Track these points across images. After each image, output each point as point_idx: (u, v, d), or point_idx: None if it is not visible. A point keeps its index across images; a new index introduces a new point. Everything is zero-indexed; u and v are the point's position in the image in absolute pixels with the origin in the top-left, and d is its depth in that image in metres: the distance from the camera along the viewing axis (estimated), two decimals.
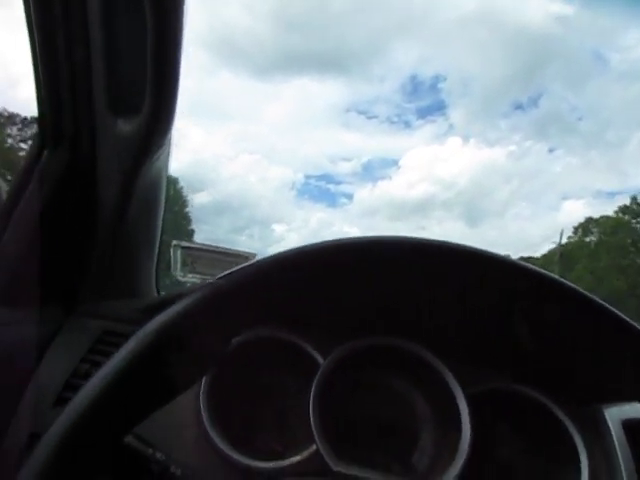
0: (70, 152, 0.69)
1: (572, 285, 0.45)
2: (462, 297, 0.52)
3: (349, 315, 0.57)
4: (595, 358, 0.53)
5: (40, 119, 0.67)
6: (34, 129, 0.74)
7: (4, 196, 0.79)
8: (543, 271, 0.45)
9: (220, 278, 0.39)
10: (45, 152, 0.68)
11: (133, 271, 0.81)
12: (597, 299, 0.46)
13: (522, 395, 0.60)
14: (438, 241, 0.45)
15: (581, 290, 0.46)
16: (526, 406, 0.60)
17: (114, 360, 0.34)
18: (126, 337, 0.67)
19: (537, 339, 0.55)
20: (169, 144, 0.70)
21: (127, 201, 0.70)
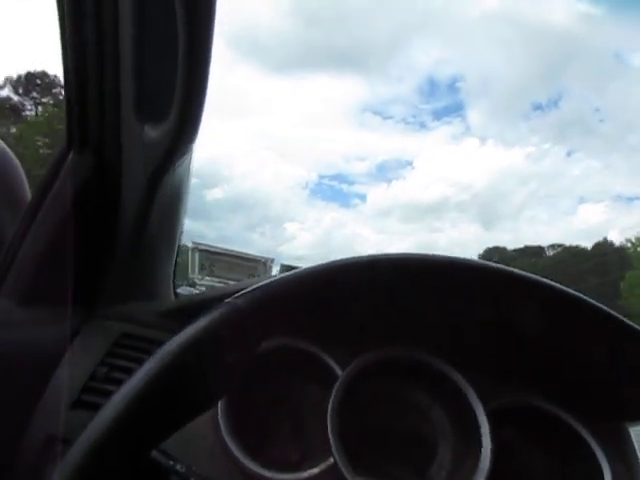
0: (95, 155, 0.69)
1: (592, 301, 0.45)
2: (482, 312, 0.52)
3: (368, 327, 0.57)
4: (618, 375, 0.52)
5: (68, 121, 0.68)
6: None
7: (29, 195, 0.80)
8: (561, 287, 0.45)
9: (238, 297, 0.39)
10: (71, 154, 0.69)
11: (152, 274, 0.82)
12: (617, 315, 0.45)
13: (544, 411, 0.59)
14: (455, 258, 0.45)
15: (601, 306, 0.45)
16: (548, 423, 0.59)
17: (136, 378, 0.34)
18: (144, 340, 0.68)
19: (558, 355, 0.54)
20: (192, 151, 0.70)
21: (149, 206, 0.70)
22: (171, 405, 0.35)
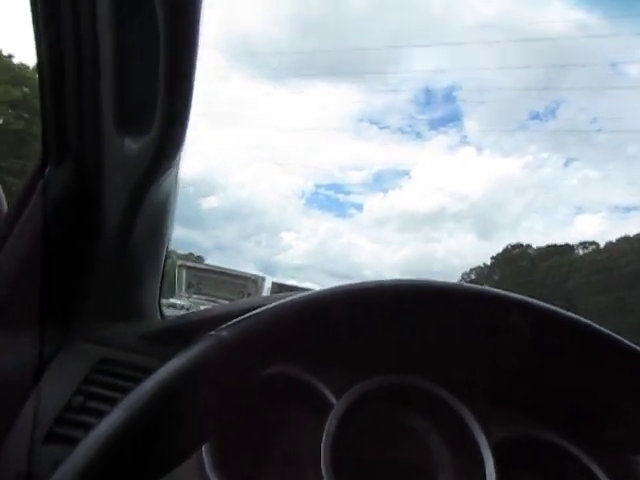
0: (74, 170, 0.67)
1: (598, 327, 0.43)
2: (484, 340, 0.49)
3: (363, 355, 0.54)
4: (627, 406, 0.49)
5: (44, 134, 0.65)
6: None
7: (5, 208, 0.77)
8: (564, 313, 0.43)
9: (224, 328, 0.36)
10: (48, 169, 0.66)
11: (137, 293, 0.79)
12: (626, 342, 0.43)
13: (550, 443, 0.56)
14: (457, 285, 0.44)
15: (606, 331, 0.43)
16: (555, 454, 0.56)
17: (111, 420, 0.30)
18: (125, 366, 0.64)
19: (564, 385, 0.51)
20: (178, 165, 0.68)
21: (132, 222, 0.68)
22: (150, 451, 0.31)
